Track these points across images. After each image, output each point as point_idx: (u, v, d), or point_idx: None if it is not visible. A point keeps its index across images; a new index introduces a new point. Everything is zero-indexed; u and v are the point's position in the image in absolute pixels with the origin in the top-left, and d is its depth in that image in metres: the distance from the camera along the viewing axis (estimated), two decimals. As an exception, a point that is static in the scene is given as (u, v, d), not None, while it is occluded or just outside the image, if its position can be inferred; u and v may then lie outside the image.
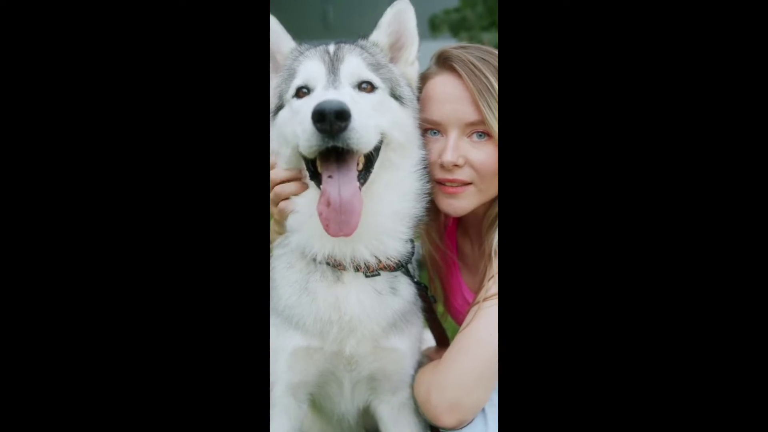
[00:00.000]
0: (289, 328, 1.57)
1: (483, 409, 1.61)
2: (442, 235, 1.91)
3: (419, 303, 1.68)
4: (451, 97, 1.63)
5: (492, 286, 1.57)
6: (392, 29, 1.63)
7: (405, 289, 1.60)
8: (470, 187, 1.65)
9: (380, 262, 1.52)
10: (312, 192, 1.49)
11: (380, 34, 1.63)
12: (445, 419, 1.56)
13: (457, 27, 5.20)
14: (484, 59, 1.62)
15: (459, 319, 1.85)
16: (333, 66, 1.48)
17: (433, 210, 1.68)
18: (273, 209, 1.59)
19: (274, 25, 1.62)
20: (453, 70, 1.64)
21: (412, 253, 1.62)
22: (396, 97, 1.56)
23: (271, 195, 1.56)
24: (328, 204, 1.35)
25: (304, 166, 1.49)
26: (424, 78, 1.71)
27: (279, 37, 1.64)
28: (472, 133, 1.63)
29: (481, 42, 4.49)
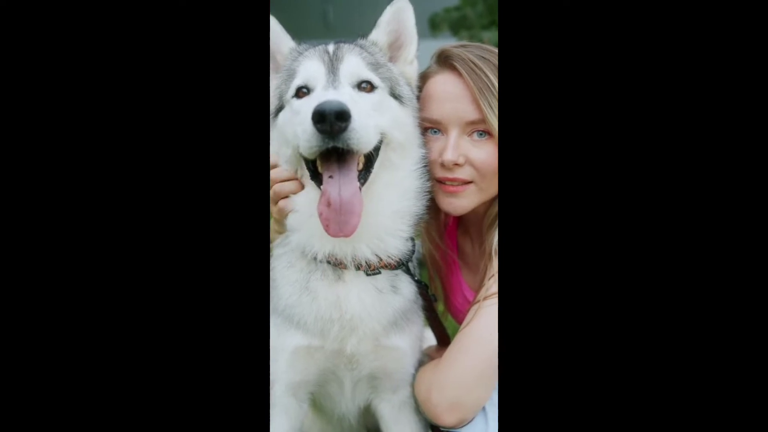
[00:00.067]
0: (289, 327, 1.57)
1: (483, 408, 1.61)
2: (442, 234, 1.91)
3: (420, 301, 1.68)
4: (452, 95, 1.63)
5: (492, 285, 1.57)
6: (391, 28, 1.63)
7: (406, 288, 1.61)
8: (471, 186, 1.65)
9: (381, 260, 1.52)
10: (312, 191, 1.49)
11: (379, 34, 1.63)
12: (445, 418, 1.56)
13: (458, 26, 5.19)
14: (485, 58, 1.62)
15: (459, 318, 1.85)
16: (332, 66, 1.48)
17: (433, 209, 1.68)
18: (272, 208, 1.59)
19: (274, 25, 1.62)
20: (453, 68, 1.64)
21: (413, 252, 1.62)
22: (395, 96, 1.56)
23: (270, 194, 1.56)
24: (329, 204, 1.35)
25: (303, 166, 1.49)
26: (424, 77, 1.71)
27: (279, 38, 1.64)
28: (473, 132, 1.63)
29: (481, 41, 4.48)
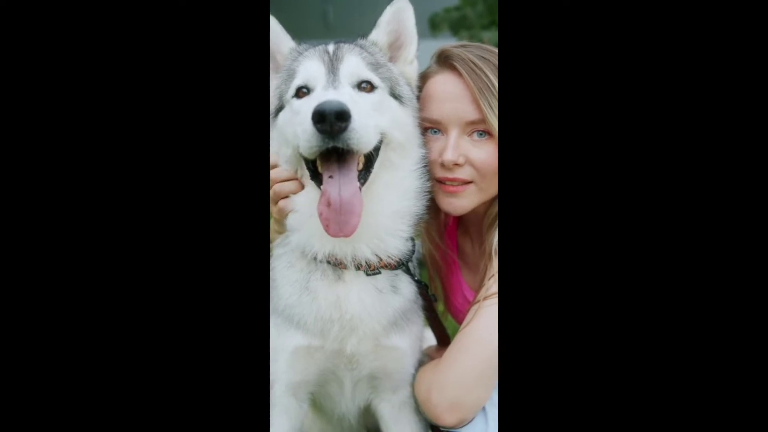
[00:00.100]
0: (289, 327, 1.57)
1: (483, 408, 1.61)
2: (442, 234, 1.91)
3: (420, 301, 1.68)
4: (452, 95, 1.63)
5: (492, 285, 1.57)
6: (391, 28, 1.63)
7: (406, 288, 1.61)
8: (471, 186, 1.65)
9: (381, 260, 1.52)
10: (311, 191, 1.49)
11: (379, 33, 1.63)
12: (445, 418, 1.56)
13: (458, 26, 5.19)
14: (485, 58, 1.62)
15: (459, 318, 1.85)
16: (332, 66, 1.48)
17: (433, 209, 1.68)
18: (272, 208, 1.59)
19: (274, 25, 1.62)
20: (453, 68, 1.64)
21: (413, 252, 1.62)
22: (395, 96, 1.56)
23: (270, 194, 1.56)
24: (329, 204, 1.35)
25: (303, 166, 1.49)
26: (424, 77, 1.71)
27: (279, 38, 1.64)
28: (473, 132, 1.63)
29: (481, 41, 4.48)
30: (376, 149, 1.45)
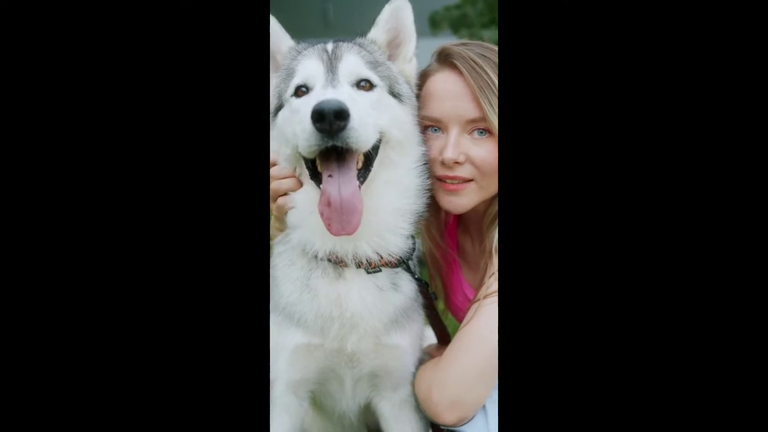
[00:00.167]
0: (290, 325, 1.57)
1: (484, 406, 1.61)
2: (442, 233, 1.91)
3: (420, 300, 1.68)
4: (452, 94, 1.63)
5: (492, 284, 1.57)
6: (390, 26, 1.63)
7: (406, 286, 1.61)
8: (471, 184, 1.65)
9: (382, 258, 1.52)
10: (311, 189, 1.49)
11: (378, 32, 1.63)
12: (446, 416, 1.56)
13: (458, 24, 5.18)
14: (485, 56, 1.62)
15: (460, 316, 1.85)
16: (331, 64, 1.48)
17: (433, 207, 1.68)
18: (272, 206, 1.59)
19: (273, 24, 1.62)
20: (453, 67, 1.64)
21: (414, 250, 1.63)
22: (394, 94, 1.56)
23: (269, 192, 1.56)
24: (329, 204, 1.35)
25: (302, 165, 1.49)
26: (424, 75, 1.71)
27: (278, 37, 1.64)
28: (473, 130, 1.63)
29: (481, 39, 4.47)
30: (375, 148, 1.45)
